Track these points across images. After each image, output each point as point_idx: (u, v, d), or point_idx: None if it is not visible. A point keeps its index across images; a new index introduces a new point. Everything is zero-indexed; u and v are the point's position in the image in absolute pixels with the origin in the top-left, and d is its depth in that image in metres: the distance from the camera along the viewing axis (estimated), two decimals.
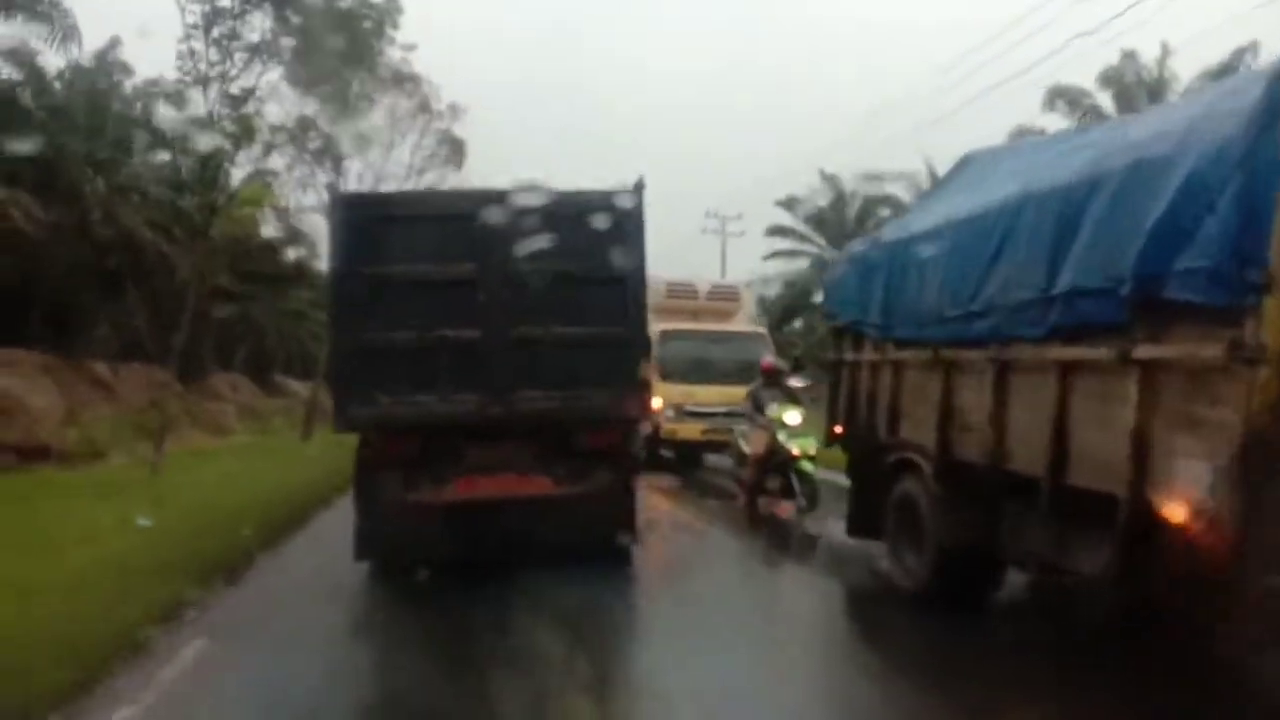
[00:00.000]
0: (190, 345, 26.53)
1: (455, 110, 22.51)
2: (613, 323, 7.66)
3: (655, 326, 15.18)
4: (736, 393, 14.67)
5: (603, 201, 7.66)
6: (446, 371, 7.48)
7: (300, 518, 10.47)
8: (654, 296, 16.23)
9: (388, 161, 21.88)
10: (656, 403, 14.74)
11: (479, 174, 23.81)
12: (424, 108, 21.78)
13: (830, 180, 39.75)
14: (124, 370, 23.15)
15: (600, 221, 7.55)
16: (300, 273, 30.17)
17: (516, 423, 7.55)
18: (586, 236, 7.51)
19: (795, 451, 10.46)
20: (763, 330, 17.31)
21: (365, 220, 7.73)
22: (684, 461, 15.89)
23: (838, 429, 8.37)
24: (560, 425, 7.68)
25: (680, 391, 15.11)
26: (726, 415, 14.85)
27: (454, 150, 22.94)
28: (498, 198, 7.56)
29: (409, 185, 22.14)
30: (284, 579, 8.01)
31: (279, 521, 9.81)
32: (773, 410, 10.81)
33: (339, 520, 10.39)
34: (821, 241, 41.01)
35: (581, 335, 7.60)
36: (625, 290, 7.70)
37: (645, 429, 14.66)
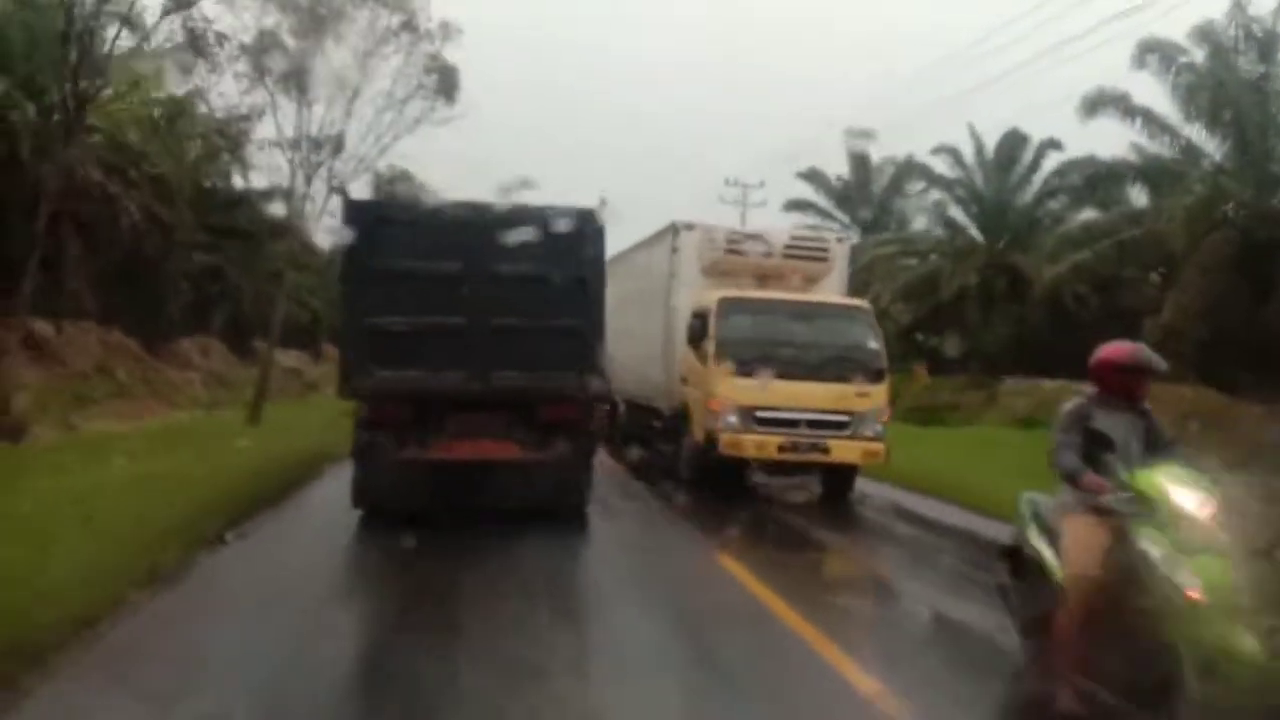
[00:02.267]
0: (156, 305, 24.06)
1: (447, 30, 19.00)
2: (574, 316, 9.06)
3: (709, 294, 11.33)
4: (831, 393, 10.68)
5: (569, 215, 9.04)
6: (435, 352, 8.83)
7: (82, 638, 5.17)
8: (707, 252, 12.13)
9: (364, 89, 18.35)
10: (713, 403, 10.78)
11: (474, 112, 20.31)
12: (409, 25, 18.35)
13: (857, 153, 36.88)
14: (71, 329, 20.47)
15: (566, 232, 8.90)
16: (280, 231, 27.38)
17: (492, 397, 8.93)
18: (554, 244, 8.84)
19: (1192, 593, 4.13)
20: (866, 304, 12.33)
21: (371, 221, 9.13)
22: (732, 487, 11.38)
23: None
24: (528, 400, 9.03)
25: (749, 387, 10.51)
26: (813, 425, 10.68)
27: (444, 79, 19.39)
28: (483, 209, 9.40)
29: (387, 118, 19.06)
30: None
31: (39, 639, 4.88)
32: (1131, 472, 4.61)
33: (160, 649, 5.21)
34: (844, 219, 38.37)
35: (547, 326, 8.99)
36: (585, 289, 9.12)
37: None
